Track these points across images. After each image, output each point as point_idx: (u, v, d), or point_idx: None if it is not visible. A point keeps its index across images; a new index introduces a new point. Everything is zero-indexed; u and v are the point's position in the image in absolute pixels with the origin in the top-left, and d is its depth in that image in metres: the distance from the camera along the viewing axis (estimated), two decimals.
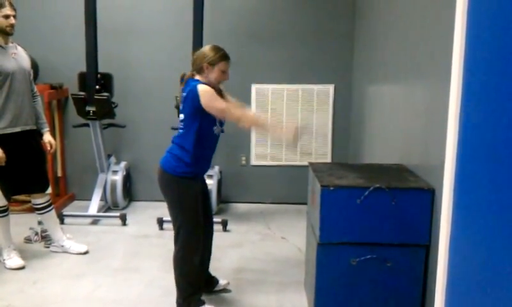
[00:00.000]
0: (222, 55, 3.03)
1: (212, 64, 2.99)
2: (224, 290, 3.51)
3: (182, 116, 3.03)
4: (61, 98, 5.43)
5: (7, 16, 3.61)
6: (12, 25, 3.65)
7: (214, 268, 3.85)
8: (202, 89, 2.89)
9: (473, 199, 2.17)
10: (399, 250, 2.80)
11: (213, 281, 3.49)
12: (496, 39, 1.97)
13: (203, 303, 3.14)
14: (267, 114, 5.42)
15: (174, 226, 3.13)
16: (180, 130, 3.05)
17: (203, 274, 3.31)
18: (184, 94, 2.99)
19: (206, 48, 3.06)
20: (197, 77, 3.03)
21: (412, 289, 2.84)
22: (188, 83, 3.02)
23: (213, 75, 3.01)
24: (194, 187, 3.07)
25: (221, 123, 3.07)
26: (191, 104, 2.92)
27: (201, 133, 2.97)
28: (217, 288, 3.49)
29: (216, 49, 3.04)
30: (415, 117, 3.15)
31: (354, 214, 2.76)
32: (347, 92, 5.39)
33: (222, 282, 3.53)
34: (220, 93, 3.10)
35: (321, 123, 5.46)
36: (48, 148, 3.99)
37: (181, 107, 3.04)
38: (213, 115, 2.94)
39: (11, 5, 3.65)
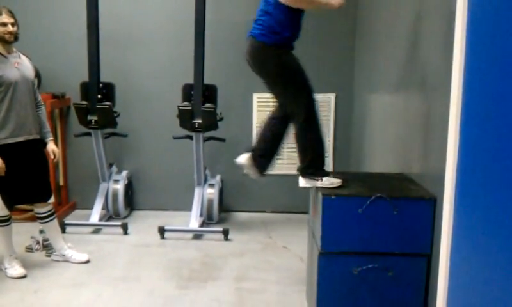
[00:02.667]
0: None
1: None
2: None
3: None
4: (63, 108, 5.45)
5: (4, 24, 3.60)
6: (10, 33, 3.64)
7: (215, 278, 3.86)
8: None
9: (474, 207, 2.17)
10: (400, 259, 2.79)
11: None
12: (496, 48, 1.98)
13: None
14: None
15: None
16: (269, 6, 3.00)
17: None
18: None
19: None
20: None
21: (414, 298, 2.83)
22: None
23: None
24: (291, 54, 3.06)
25: None
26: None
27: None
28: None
29: None
30: (416, 126, 3.16)
31: (355, 223, 2.76)
32: (348, 101, 5.40)
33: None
34: None
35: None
36: (52, 157, 4.00)
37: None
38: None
39: (8, 13, 3.65)
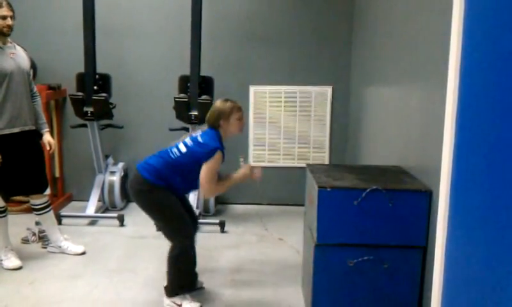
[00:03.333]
0: (233, 106, 3.22)
1: (228, 118, 3.18)
2: (201, 288, 3.58)
3: (184, 149, 3.14)
4: (59, 99, 5.43)
5: (4, 17, 3.61)
6: (9, 26, 3.65)
7: (211, 269, 3.87)
8: (217, 157, 3.08)
9: (469, 201, 2.18)
10: (395, 251, 2.81)
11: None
12: (492, 42, 1.98)
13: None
14: (264, 117, 5.44)
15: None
16: (172, 157, 3.14)
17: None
18: (201, 140, 3.14)
19: (218, 105, 3.22)
20: (218, 131, 3.20)
21: (409, 290, 2.85)
22: (210, 131, 3.20)
23: (231, 128, 3.21)
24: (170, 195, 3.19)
25: None
26: (200, 156, 3.08)
27: (192, 172, 3.11)
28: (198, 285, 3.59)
29: (227, 102, 3.22)
30: (412, 119, 3.16)
31: (351, 215, 2.77)
32: (345, 94, 5.40)
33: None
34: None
35: (319, 125, 5.47)
36: (48, 148, 3.99)
37: (190, 144, 3.16)
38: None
39: (9, 5, 3.65)
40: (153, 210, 3.22)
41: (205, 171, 3.06)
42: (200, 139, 3.16)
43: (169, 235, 3.24)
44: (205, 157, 3.06)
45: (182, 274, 3.29)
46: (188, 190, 3.42)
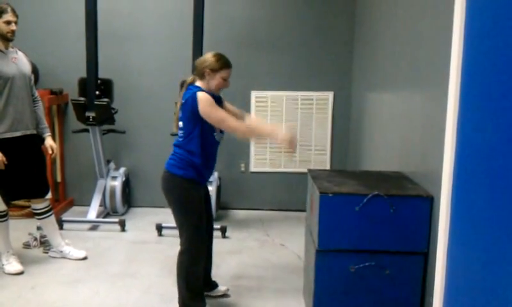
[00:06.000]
0: (224, 63, 3.05)
1: (213, 70, 3.00)
2: (224, 296, 3.52)
3: (181, 123, 3.03)
4: (61, 104, 5.44)
5: (8, 23, 3.63)
6: (13, 32, 3.67)
7: (212, 275, 3.85)
8: (201, 96, 2.90)
9: (471, 206, 2.17)
10: (397, 257, 2.80)
11: (212, 284, 3.50)
12: (494, 48, 1.98)
13: None
14: (266, 120, 5.44)
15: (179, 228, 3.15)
16: (180, 139, 3.05)
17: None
18: (183, 100, 3.00)
19: (208, 55, 3.07)
20: (198, 83, 3.04)
21: (410, 296, 2.84)
22: (188, 89, 3.03)
23: (214, 81, 3.02)
24: (198, 190, 3.09)
25: (221, 130, 3.08)
26: (190, 110, 2.92)
27: (203, 139, 2.98)
28: (215, 294, 3.49)
29: (219, 56, 3.06)
30: (414, 125, 3.16)
31: (352, 221, 2.76)
32: (347, 99, 5.41)
33: (221, 288, 3.53)
34: (220, 100, 3.11)
35: (320, 130, 5.48)
36: (50, 152, 4.00)
37: (180, 114, 3.03)
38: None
39: (13, 11, 3.67)
40: (178, 202, 3.07)
41: (206, 113, 2.88)
42: (182, 101, 3.01)
43: (184, 229, 3.09)
44: (194, 107, 2.89)
45: (191, 282, 3.12)
46: (211, 165, 3.18)
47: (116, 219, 4.91)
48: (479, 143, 2.09)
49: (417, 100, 3.13)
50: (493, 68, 1.98)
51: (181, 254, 3.11)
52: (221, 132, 3.09)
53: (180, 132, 3.04)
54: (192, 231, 3.07)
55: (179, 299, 3.16)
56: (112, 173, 5.28)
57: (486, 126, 2.03)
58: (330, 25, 5.33)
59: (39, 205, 3.97)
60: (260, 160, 5.53)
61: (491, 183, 1.96)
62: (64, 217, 5.02)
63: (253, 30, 5.37)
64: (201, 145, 2.98)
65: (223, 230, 4.70)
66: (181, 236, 3.12)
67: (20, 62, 3.79)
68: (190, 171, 3.01)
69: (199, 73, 3.04)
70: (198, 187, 3.09)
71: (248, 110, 5.40)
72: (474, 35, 2.20)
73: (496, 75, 1.95)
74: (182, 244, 3.11)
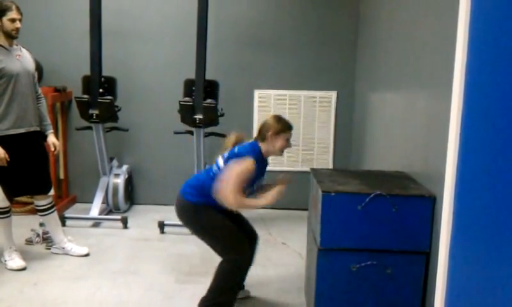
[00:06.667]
0: (286, 125, 3.12)
1: (276, 133, 3.06)
2: (247, 298, 3.51)
3: (221, 162, 3.07)
4: (64, 101, 5.45)
5: (13, 20, 3.64)
6: (17, 29, 3.68)
7: (214, 273, 3.86)
8: (246, 162, 2.93)
9: (473, 206, 2.17)
10: (399, 257, 2.80)
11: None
12: (498, 49, 1.98)
13: None
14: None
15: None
16: (212, 172, 3.08)
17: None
18: (235, 150, 3.06)
19: (270, 119, 3.14)
20: (260, 144, 3.10)
21: (412, 296, 2.84)
22: (245, 145, 3.10)
23: (278, 143, 3.08)
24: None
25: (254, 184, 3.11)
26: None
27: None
28: (239, 295, 3.41)
29: (278, 117, 3.14)
30: (417, 124, 3.16)
31: (355, 220, 2.76)
32: (350, 99, 5.41)
33: (246, 290, 3.55)
34: (265, 165, 3.18)
35: (323, 129, 5.48)
36: (52, 149, 4.01)
37: (226, 156, 3.08)
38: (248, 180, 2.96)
39: (18, 9, 3.69)
40: (202, 231, 3.13)
41: (226, 172, 2.92)
42: (236, 150, 3.07)
43: (221, 253, 3.13)
44: (236, 159, 2.96)
45: (225, 292, 3.10)
46: None
47: (119, 216, 4.92)
48: (482, 143, 2.09)
49: (420, 99, 3.13)
50: (498, 68, 1.98)
51: (222, 263, 3.11)
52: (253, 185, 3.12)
53: (216, 169, 3.07)
54: (227, 250, 3.12)
55: (206, 298, 3.12)
56: (115, 171, 5.30)
57: (490, 126, 2.03)
58: (334, 24, 5.32)
59: (42, 202, 3.98)
60: None
61: (494, 184, 1.96)
62: (67, 213, 5.03)
63: (256, 29, 5.37)
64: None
65: None
66: (220, 255, 3.16)
67: (24, 59, 3.80)
68: (207, 199, 3.04)
69: (262, 136, 3.10)
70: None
71: (250, 108, 5.42)
72: (479, 34, 2.20)
73: (501, 75, 1.95)
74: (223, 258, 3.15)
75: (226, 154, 3.10)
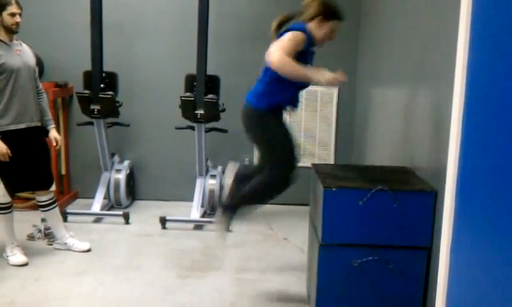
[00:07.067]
0: (338, 13, 2.94)
1: (326, 19, 2.90)
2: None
3: None
4: (65, 96, 5.45)
5: (13, 14, 3.64)
6: (17, 24, 3.68)
7: (216, 268, 3.87)
8: (295, 33, 2.79)
9: (475, 201, 2.17)
10: (400, 252, 2.80)
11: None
12: (500, 44, 1.97)
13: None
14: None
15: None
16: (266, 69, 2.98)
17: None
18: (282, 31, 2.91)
19: (319, 2, 2.94)
20: (309, 25, 2.93)
21: (413, 291, 2.84)
22: (294, 24, 2.92)
23: (322, 30, 2.93)
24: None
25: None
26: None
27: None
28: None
29: (332, 5, 2.95)
30: (418, 120, 3.15)
31: (356, 215, 2.76)
32: (351, 94, 5.39)
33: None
34: (312, 55, 3.01)
35: (325, 125, 5.47)
36: (54, 144, 4.01)
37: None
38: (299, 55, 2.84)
39: (18, 3, 3.68)
40: (264, 137, 3.06)
41: (279, 41, 2.77)
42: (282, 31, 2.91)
43: (270, 164, 3.06)
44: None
45: (251, 198, 3.08)
46: (295, 100, 3.14)
47: (120, 212, 4.93)
48: (484, 138, 2.09)
49: (422, 95, 3.12)
50: (500, 62, 1.97)
51: (265, 174, 3.06)
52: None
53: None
54: (281, 159, 3.08)
55: (230, 199, 3.11)
56: (117, 166, 5.29)
57: (492, 120, 2.02)
58: None
59: (43, 197, 3.98)
60: None
61: (496, 178, 1.96)
62: (69, 209, 5.04)
63: (258, 24, 5.34)
64: (285, 85, 2.95)
65: None
66: (270, 165, 3.10)
67: (24, 54, 3.79)
68: (271, 100, 3.04)
69: (308, 17, 2.94)
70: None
71: None
72: (480, 30, 2.19)
73: (503, 70, 1.94)
74: (271, 171, 3.09)
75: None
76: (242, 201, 3.15)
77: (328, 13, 2.91)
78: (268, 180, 3.07)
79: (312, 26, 2.94)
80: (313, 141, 5.50)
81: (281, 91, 3.00)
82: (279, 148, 3.06)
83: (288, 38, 2.80)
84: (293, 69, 2.79)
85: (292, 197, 5.50)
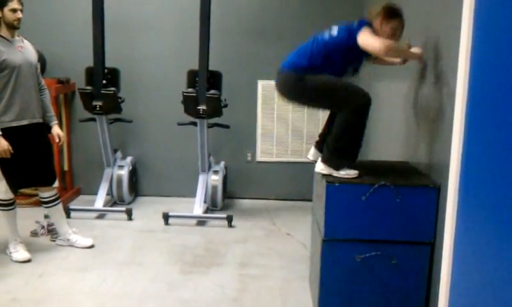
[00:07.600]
0: (398, 12, 3.03)
1: (387, 18, 2.98)
2: None
3: (335, 32, 3.09)
4: (68, 93, 5.45)
5: (14, 10, 3.63)
6: (19, 19, 3.67)
7: (218, 263, 3.88)
8: (366, 28, 2.87)
9: (478, 196, 2.16)
10: (403, 247, 2.80)
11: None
12: (503, 40, 1.96)
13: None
14: (272, 112, 5.43)
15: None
16: (321, 37, 3.12)
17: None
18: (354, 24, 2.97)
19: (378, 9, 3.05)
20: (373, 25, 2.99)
21: (416, 286, 2.84)
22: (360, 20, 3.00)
23: (385, 28, 2.98)
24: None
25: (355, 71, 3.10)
26: (346, 35, 2.96)
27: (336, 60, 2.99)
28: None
29: (394, 6, 3.05)
30: (422, 115, 3.14)
31: (359, 211, 2.76)
32: None
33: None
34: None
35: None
36: (57, 140, 4.01)
37: (336, 31, 3.08)
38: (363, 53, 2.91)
39: None
40: (312, 97, 3.02)
41: (364, 40, 2.81)
42: (355, 24, 2.97)
43: (341, 109, 2.95)
44: (355, 30, 2.88)
45: (352, 140, 2.95)
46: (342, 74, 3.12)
47: (123, 208, 4.93)
48: (487, 133, 2.08)
49: (425, 89, 3.11)
50: (503, 58, 1.96)
51: (348, 115, 2.94)
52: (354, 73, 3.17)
53: (327, 37, 3.13)
54: (349, 98, 3.02)
55: (334, 149, 2.96)
56: (119, 162, 5.30)
57: (495, 115, 2.01)
58: (337, 14, 5.27)
59: (46, 194, 3.99)
60: (266, 150, 5.52)
61: (499, 173, 1.95)
62: (72, 205, 5.05)
63: (260, 19, 5.34)
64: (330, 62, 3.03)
65: (229, 219, 4.71)
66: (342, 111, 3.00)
67: (26, 50, 3.79)
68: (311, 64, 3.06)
69: (372, 16, 3.03)
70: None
71: (254, 99, 5.40)
72: (484, 23, 2.18)
73: (506, 65, 1.93)
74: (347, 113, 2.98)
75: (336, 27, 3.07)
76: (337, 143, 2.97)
77: (389, 12, 3.00)
78: (350, 114, 2.95)
79: (376, 24, 3.01)
80: (315, 136, 5.46)
81: (330, 66, 3.01)
82: (339, 89, 2.99)
83: (370, 32, 2.87)
84: (398, 49, 3.06)
85: (294, 193, 5.54)
